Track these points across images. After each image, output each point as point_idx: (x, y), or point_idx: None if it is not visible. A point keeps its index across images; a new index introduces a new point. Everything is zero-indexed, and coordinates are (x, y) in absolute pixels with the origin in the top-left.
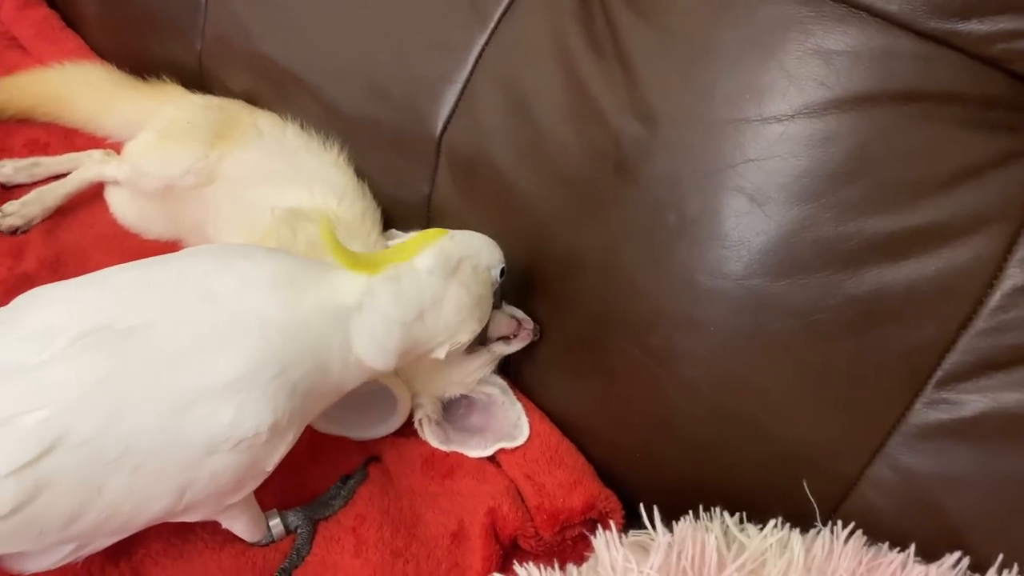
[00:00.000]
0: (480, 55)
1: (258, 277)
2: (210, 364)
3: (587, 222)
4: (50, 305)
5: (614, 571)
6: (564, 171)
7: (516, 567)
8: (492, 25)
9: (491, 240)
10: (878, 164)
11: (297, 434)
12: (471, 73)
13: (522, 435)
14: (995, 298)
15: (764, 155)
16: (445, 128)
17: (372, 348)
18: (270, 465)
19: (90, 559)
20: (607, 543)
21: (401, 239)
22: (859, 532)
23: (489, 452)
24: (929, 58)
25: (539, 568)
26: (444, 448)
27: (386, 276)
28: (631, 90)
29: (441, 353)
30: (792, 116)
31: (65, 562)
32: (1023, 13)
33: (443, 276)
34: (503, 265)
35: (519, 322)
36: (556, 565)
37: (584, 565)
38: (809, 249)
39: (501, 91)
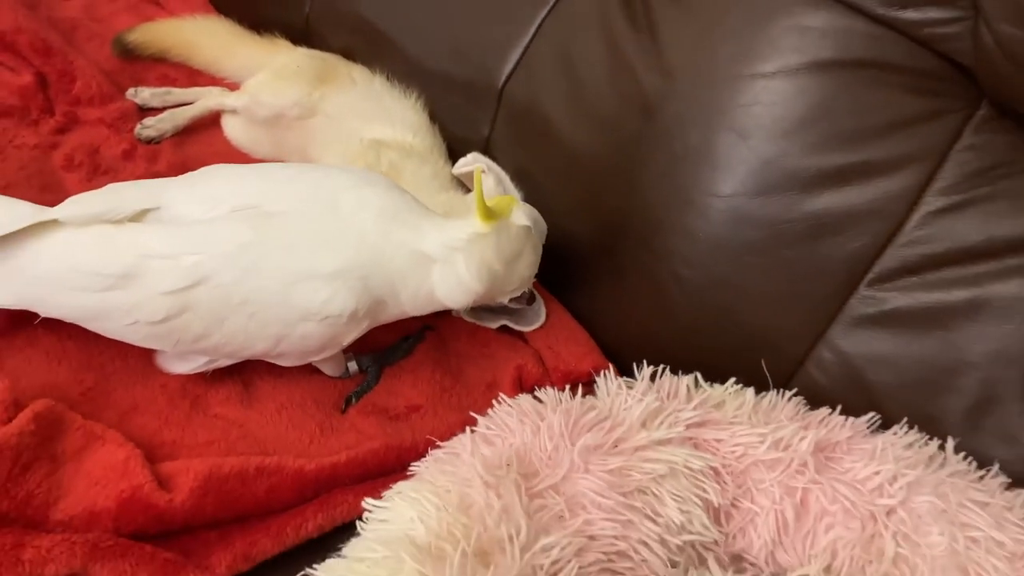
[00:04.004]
0: (540, 24)
1: (372, 203)
2: (321, 255)
3: (615, 154)
4: (221, 179)
5: (608, 395)
6: (600, 114)
7: (537, 391)
8: (552, 2)
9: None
10: (835, 114)
11: (370, 325)
12: (532, 39)
13: (538, 321)
14: (914, 219)
15: (750, 103)
16: (507, 81)
17: (457, 290)
18: (346, 341)
19: (215, 372)
20: (604, 377)
21: (465, 168)
22: (799, 396)
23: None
24: (877, 36)
25: (554, 390)
26: (477, 323)
27: (496, 227)
28: (657, 53)
29: (504, 300)
30: (773, 74)
31: (198, 371)
32: (942, 7)
33: (530, 234)
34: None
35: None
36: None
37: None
38: (779, 175)
39: (555, 53)
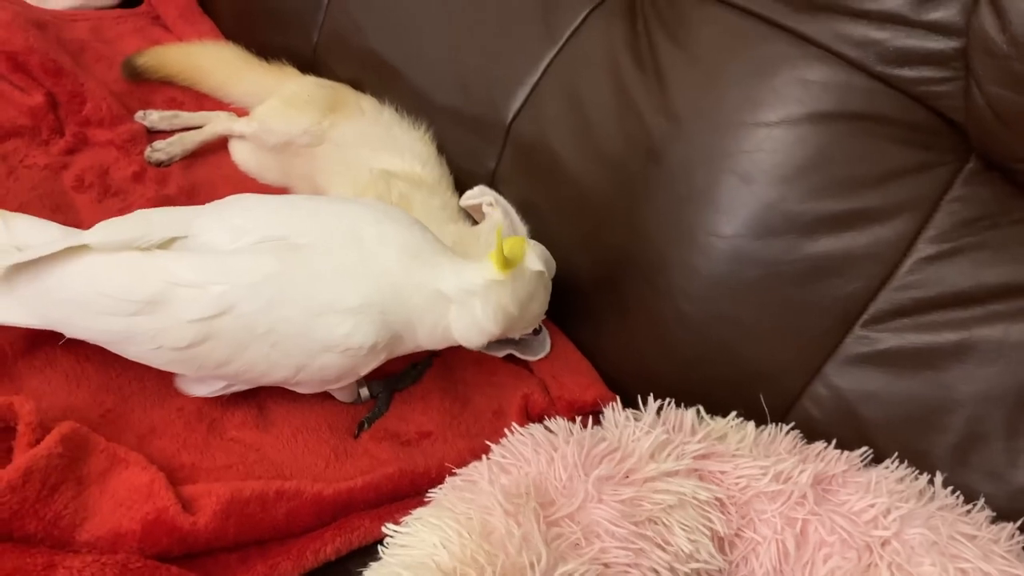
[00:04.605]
0: (549, 64)
1: (394, 239)
2: (344, 289)
3: (620, 192)
4: (249, 210)
5: (616, 426)
6: (606, 154)
7: (547, 421)
8: (561, 42)
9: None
10: (833, 162)
11: (387, 357)
12: (540, 77)
13: (543, 351)
14: (907, 265)
15: (753, 149)
16: (515, 117)
17: (472, 331)
18: (363, 372)
19: (231, 396)
20: (612, 408)
21: (473, 200)
22: (797, 430)
23: (515, 354)
24: (875, 91)
25: (565, 420)
26: (483, 351)
27: (512, 274)
28: (663, 97)
29: (516, 335)
30: (776, 123)
31: (216, 394)
32: (936, 67)
33: (542, 277)
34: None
35: None
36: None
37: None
38: (779, 219)
39: (563, 92)
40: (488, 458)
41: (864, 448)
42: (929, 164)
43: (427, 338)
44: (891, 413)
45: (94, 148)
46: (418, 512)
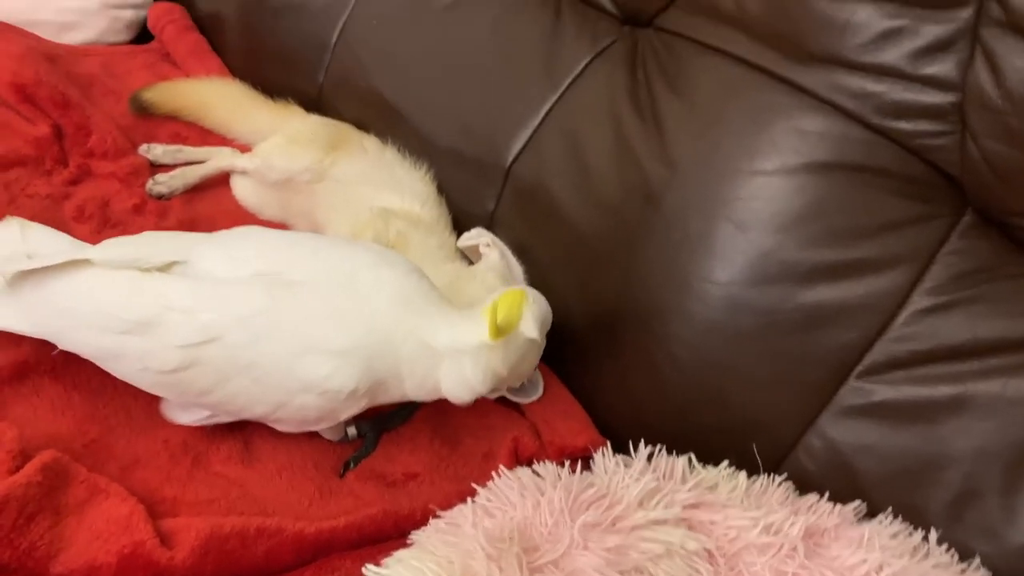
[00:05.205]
0: (550, 109)
1: (388, 285)
2: (331, 330)
3: (617, 237)
4: (250, 242)
5: (606, 472)
6: (604, 199)
7: (536, 464)
8: (562, 88)
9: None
10: (830, 213)
11: (369, 403)
12: (541, 123)
13: (535, 394)
14: (903, 316)
15: (749, 197)
16: (514, 161)
17: (461, 389)
18: (342, 417)
19: (217, 426)
20: (603, 454)
21: (470, 241)
22: (789, 482)
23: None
24: (872, 143)
25: (554, 464)
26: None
27: (505, 340)
28: (661, 144)
29: (503, 389)
30: (773, 172)
31: (200, 423)
32: (933, 120)
33: (535, 343)
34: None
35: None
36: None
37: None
38: (775, 267)
39: (562, 138)
40: (473, 501)
41: (857, 502)
42: (926, 216)
43: (415, 389)
44: (885, 467)
45: (96, 179)
46: (399, 554)
